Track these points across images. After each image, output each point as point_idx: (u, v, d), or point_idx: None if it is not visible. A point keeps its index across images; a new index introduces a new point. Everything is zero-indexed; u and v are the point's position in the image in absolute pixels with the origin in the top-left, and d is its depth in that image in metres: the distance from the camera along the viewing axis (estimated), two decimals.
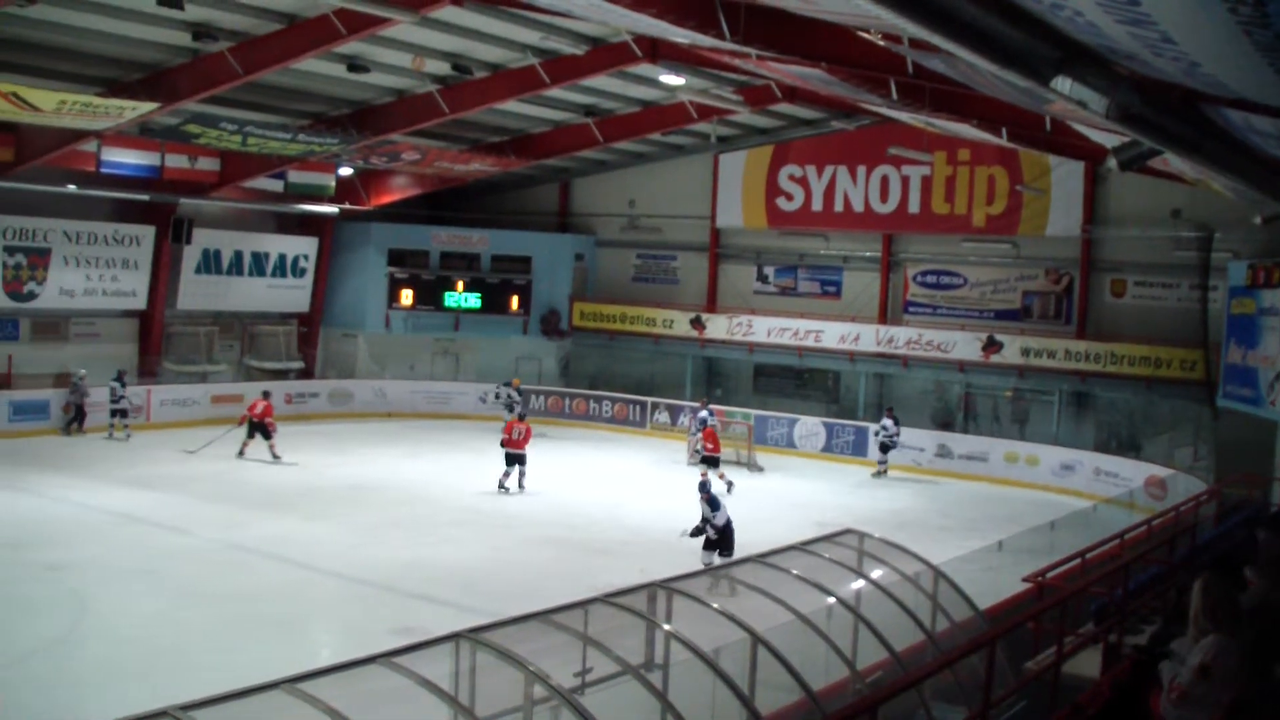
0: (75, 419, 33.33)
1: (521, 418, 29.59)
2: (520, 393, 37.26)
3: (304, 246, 40.90)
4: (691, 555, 20.05)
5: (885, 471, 33.70)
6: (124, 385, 33.78)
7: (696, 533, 20.93)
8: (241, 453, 31.10)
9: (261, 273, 39.81)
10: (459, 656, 9.81)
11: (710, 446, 30.05)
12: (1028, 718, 11.57)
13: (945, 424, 36.75)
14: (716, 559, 20.15)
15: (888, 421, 33.70)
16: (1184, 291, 33.41)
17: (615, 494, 28.56)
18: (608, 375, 42.66)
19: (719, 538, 20.73)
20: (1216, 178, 17.41)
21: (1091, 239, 34.93)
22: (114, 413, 33.42)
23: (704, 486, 21.73)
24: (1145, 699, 7.36)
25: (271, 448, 31.02)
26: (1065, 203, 35.05)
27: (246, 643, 16.48)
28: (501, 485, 28.01)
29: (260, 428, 31.22)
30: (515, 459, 28.21)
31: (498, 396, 37.70)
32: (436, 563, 21.67)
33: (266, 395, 32.72)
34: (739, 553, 14.57)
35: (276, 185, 37.97)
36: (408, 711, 9.34)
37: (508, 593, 19.02)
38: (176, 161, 34.49)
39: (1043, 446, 33.96)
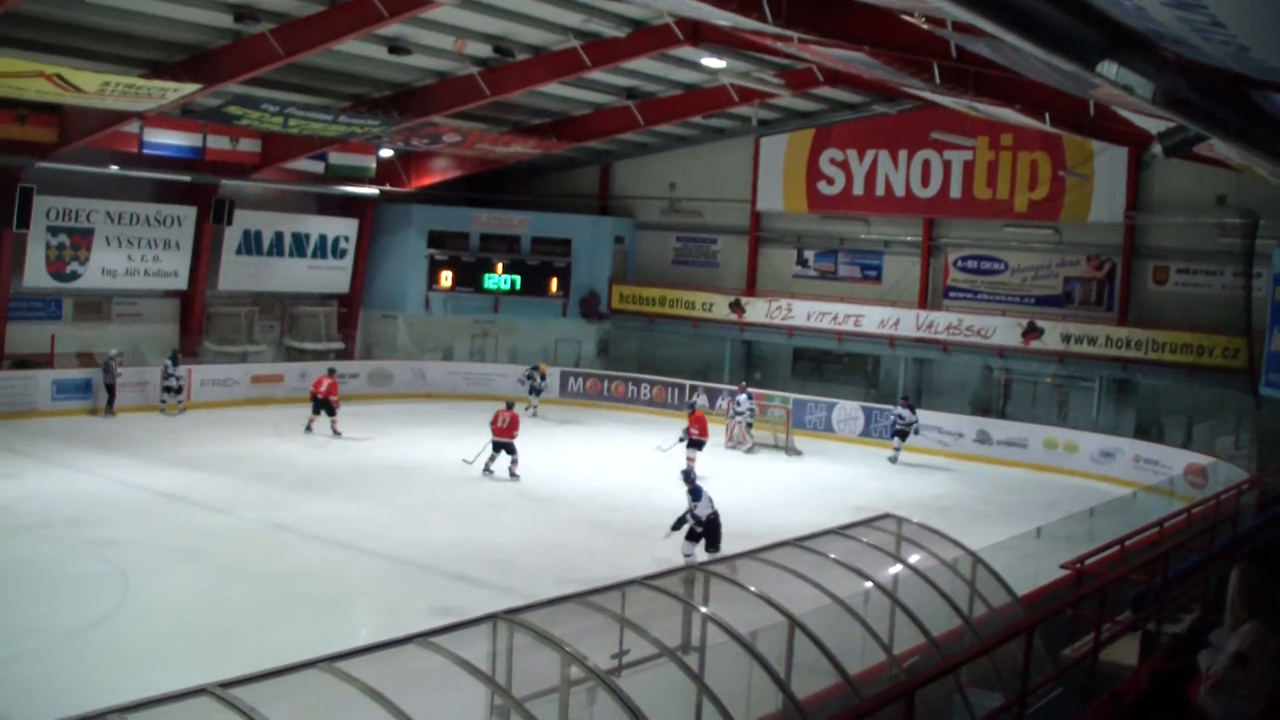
0: (107, 400, 33.31)
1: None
2: (544, 377, 37.89)
3: (344, 228, 41.03)
4: (731, 537, 19.96)
5: (897, 458, 33.47)
6: (176, 364, 34.15)
7: (678, 525, 20.28)
8: (309, 428, 31.70)
9: (302, 254, 39.95)
10: (496, 637, 9.84)
11: (696, 431, 29.69)
12: (1064, 705, 11.54)
13: (984, 410, 36.57)
14: (700, 553, 19.55)
15: (904, 411, 33.70)
16: (1227, 279, 33.16)
17: (653, 477, 28.54)
18: (647, 358, 42.65)
19: (704, 530, 20.07)
20: (1263, 164, 17.25)
21: (1135, 225, 34.71)
22: (165, 389, 33.88)
23: (687, 475, 21.53)
24: (1184, 688, 7.31)
25: (334, 424, 31.63)
26: (1108, 188, 34.83)
27: (287, 622, 16.60)
28: (486, 469, 27.80)
29: (325, 404, 31.73)
30: (502, 446, 27.76)
31: (530, 378, 38.24)
32: (476, 544, 21.75)
33: (332, 373, 33.19)
34: (774, 537, 14.51)
35: (317, 167, 38.09)
36: (445, 691, 9.38)
37: (546, 575, 19.09)
38: (218, 143, 34.67)
39: (1082, 433, 33.79)
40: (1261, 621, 6.82)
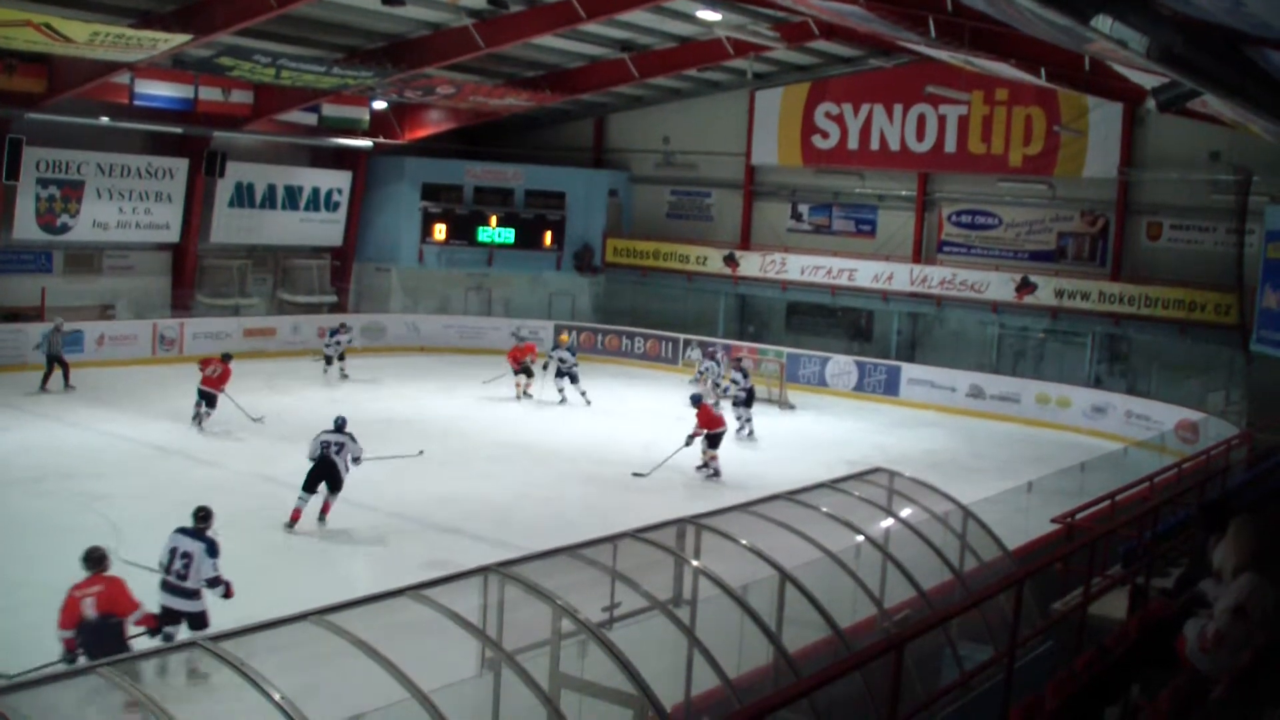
0: (45, 373, 29.82)
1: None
2: (573, 351, 33.06)
3: (338, 180, 40.91)
4: (725, 491, 20.01)
5: (749, 430, 29.66)
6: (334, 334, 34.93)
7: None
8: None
9: (295, 206, 39.85)
10: (488, 590, 9.88)
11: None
12: (1054, 658, 11.62)
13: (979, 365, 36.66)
14: None
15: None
16: (1220, 235, 33.18)
17: (648, 430, 28.57)
18: (641, 311, 42.63)
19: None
20: (1256, 120, 17.24)
21: (1129, 181, 34.68)
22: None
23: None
24: (1172, 642, 7.36)
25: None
26: (1103, 144, 34.78)
27: (279, 575, 16.65)
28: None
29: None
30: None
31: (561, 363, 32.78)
32: (470, 497, 21.82)
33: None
34: (766, 490, 14.57)
35: (310, 119, 37.92)
36: (436, 644, 9.42)
37: (541, 528, 19.13)
38: (210, 94, 34.55)
39: (1074, 388, 33.87)
40: (1258, 573, 6.86)
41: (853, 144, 39.17)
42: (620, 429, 29.17)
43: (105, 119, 33.04)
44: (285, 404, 29.71)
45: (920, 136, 38.01)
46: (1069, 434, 32.03)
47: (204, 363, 27.24)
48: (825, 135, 39.66)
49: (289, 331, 37.84)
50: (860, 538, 12.96)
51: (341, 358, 34.22)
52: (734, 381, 29.99)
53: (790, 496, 13.69)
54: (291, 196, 39.69)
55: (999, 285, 35.59)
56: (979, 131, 36.91)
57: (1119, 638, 8.53)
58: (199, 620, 12.97)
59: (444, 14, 30.38)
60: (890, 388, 36.02)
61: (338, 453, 19.81)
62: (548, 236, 42.75)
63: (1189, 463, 21.08)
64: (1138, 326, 33.73)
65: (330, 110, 37.87)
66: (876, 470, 15.84)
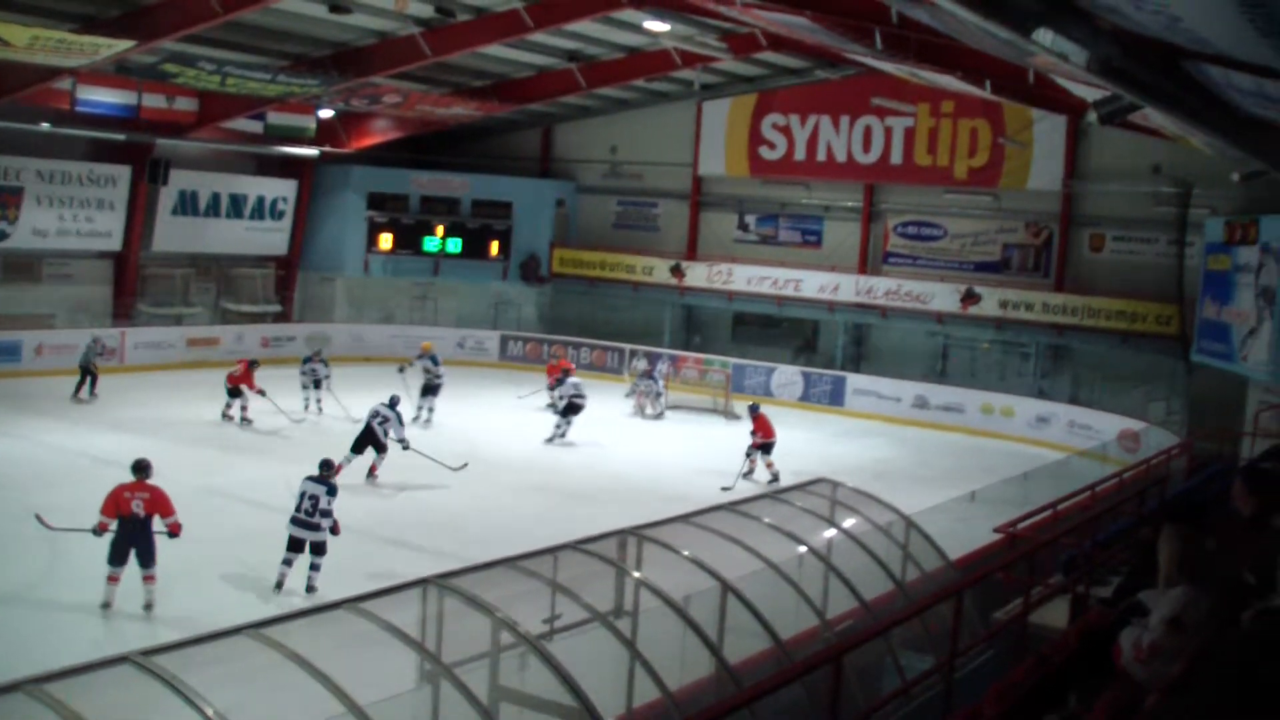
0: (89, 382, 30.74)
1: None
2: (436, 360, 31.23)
3: (283, 189, 40.66)
4: (667, 502, 20.01)
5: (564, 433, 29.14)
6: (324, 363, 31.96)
7: None
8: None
9: (239, 215, 39.54)
10: (426, 602, 9.83)
11: (761, 435, 26.59)
12: (994, 667, 11.65)
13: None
14: None
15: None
16: (1162, 247, 33.49)
17: (594, 440, 28.52)
18: (587, 322, 42.57)
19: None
20: (1196, 134, 17.38)
21: (1072, 193, 34.96)
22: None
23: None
24: (1110, 651, 7.39)
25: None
26: (1047, 156, 35.05)
27: (221, 588, 16.51)
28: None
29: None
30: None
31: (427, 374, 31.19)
32: (415, 509, 21.74)
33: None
34: (710, 501, 14.60)
35: (256, 126, 37.65)
36: (374, 657, 9.37)
37: (486, 539, 19.02)
38: (154, 101, 34.26)
39: (1019, 398, 34.10)
40: (1193, 585, 6.89)
41: (799, 155, 39.28)
42: (566, 440, 29.04)
43: (46, 125, 32.63)
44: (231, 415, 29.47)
45: (866, 148, 38.16)
46: (1013, 444, 32.21)
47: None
48: (772, 146, 39.75)
49: (233, 341, 37.51)
50: (803, 548, 12.99)
51: (317, 385, 31.00)
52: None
53: (733, 507, 13.71)
54: (236, 205, 39.39)
55: (944, 296, 35.77)
56: (925, 143, 37.10)
57: (1058, 646, 8.56)
58: (320, 548, 16.76)
59: (391, 22, 30.28)
60: (835, 398, 36.14)
61: (381, 424, 23.20)
62: (494, 246, 42.62)
63: (1130, 472, 21.23)
64: (1081, 337, 34.00)
65: (276, 118, 37.63)
66: (820, 481, 15.89)
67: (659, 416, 33.27)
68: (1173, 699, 6.13)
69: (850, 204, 39.24)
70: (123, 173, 35.74)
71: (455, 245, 42.15)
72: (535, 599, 10.72)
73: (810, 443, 30.96)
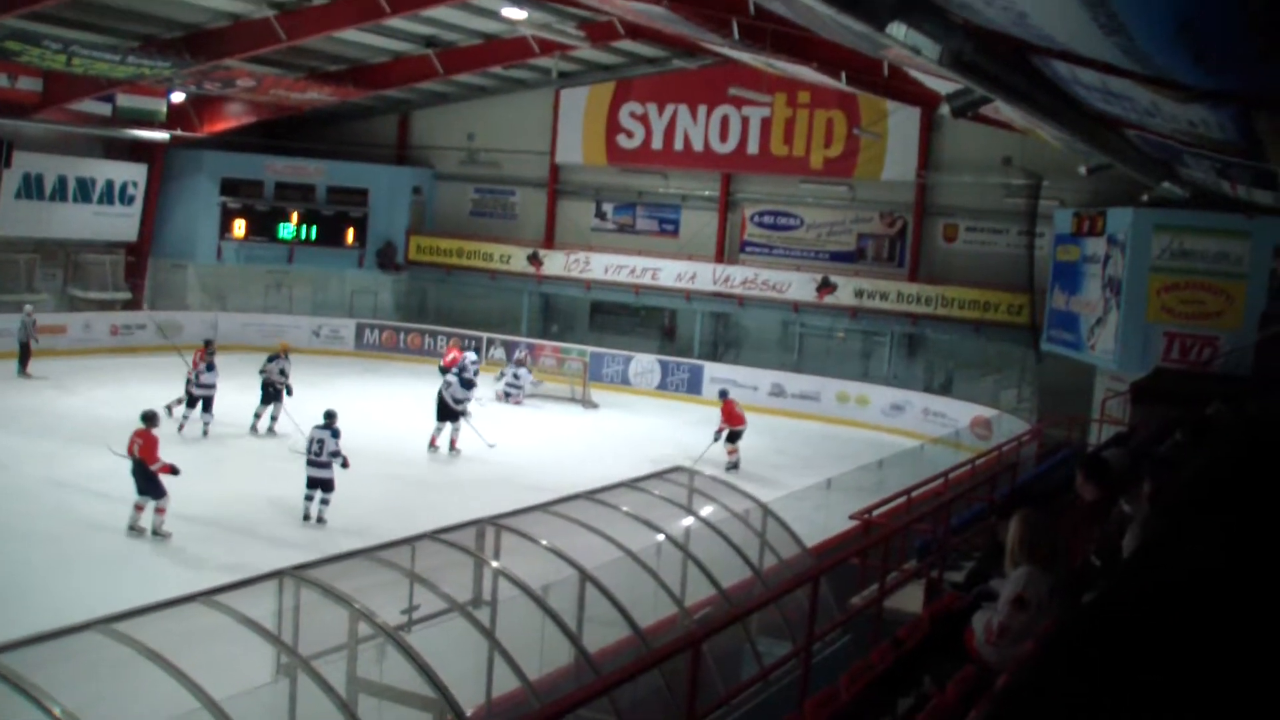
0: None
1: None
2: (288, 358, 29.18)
3: (133, 173, 39.74)
4: (525, 491, 19.97)
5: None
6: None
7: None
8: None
9: (87, 199, 38.54)
10: (283, 594, 9.72)
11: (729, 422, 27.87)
12: (851, 651, 11.81)
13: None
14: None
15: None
16: (1013, 237, 34.15)
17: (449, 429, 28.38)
18: (444, 310, 42.37)
19: None
20: (1045, 127, 17.75)
21: (926, 184, 35.52)
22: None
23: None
24: (963, 634, 7.54)
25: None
26: (901, 148, 35.55)
27: (70, 582, 16.13)
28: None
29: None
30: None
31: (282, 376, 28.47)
32: (268, 498, 21.42)
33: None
34: (569, 490, 14.58)
35: (104, 109, 36.69)
36: (229, 650, 9.24)
37: (340, 529, 18.91)
38: None
39: (874, 386, 34.59)
40: (1035, 565, 7.05)
41: (657, 144, 39.41)
42: (421, 429, 28.80)
43: None
44: (75, 405, 28.85)
45: (724, 137, 38.40)
46: (868, 431, 32.64)
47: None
48: (630, 135, 39.84)
49: (80, 329, 36.68)
50: (661, 536, 13.05)
51: (289, 392, 28.05)
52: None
53: (591, 496, 13.73)
54: (84, 189, 38.39)
55: (800, 285, 36.13)
56: (781, 133, 37.43)
57: (912, 630, 8.71)
58: (329, 484, 20.34)
59: (245, 4, 29.84)
60: (693, 386, 36.34)
61: (445, 389, 26.72)
62: (350, 233, 42.15)
63: (982, 458, 21.64)
64: (935, 326, 34.57)
65: (125, 100, 36.72)
66: (677, 469, 15.97)
67: (518, 403, 33.32)
68: (1021, 678, 6.27)
69: (707, 193, 39.46)
70: None
71: (310, 232, 41.63)
72: (393, 590, 10.66)
73: (668, 430, 31.13)
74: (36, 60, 30.21)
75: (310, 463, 20.32)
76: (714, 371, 36.38)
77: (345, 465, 20.44)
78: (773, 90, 35.75)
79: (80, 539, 18.28)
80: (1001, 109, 16.99)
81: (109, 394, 29.86)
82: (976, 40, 9.14)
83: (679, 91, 38.89)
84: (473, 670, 10.43)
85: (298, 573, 9.85)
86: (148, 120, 37.77)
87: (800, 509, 18.66)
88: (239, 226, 41.05)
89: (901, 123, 35.15)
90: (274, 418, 27.45)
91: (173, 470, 19.09)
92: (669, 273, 38.27)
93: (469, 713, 9.35)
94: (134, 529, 18.86)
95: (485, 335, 39.55)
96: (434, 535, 11.55)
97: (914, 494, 17.46)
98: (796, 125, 37.22)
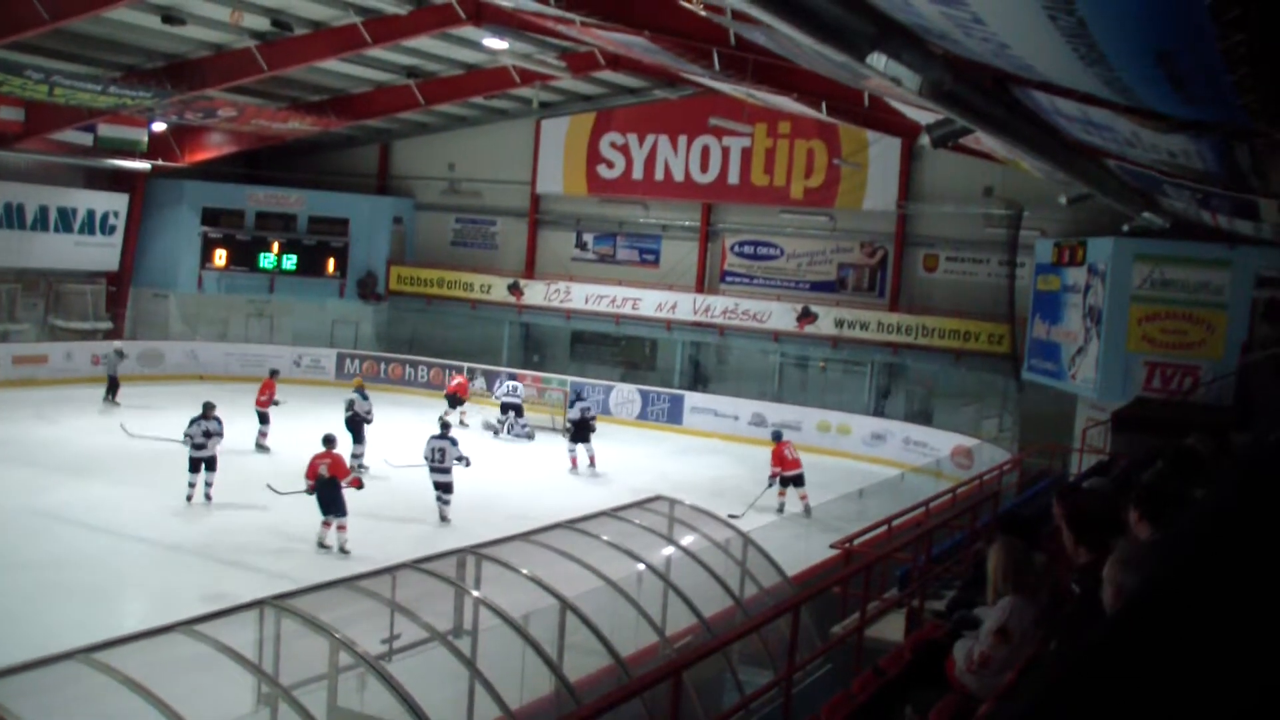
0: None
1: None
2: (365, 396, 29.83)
3: (114, 203, 39.71)
4: (506, 519, 19.94)
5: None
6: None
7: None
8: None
9: (69, 229, 38.50)
10: (264, 623, 9.69)
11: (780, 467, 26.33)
12: (832, 680, 11.80)
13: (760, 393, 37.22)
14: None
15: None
16: (994, 267, 34.22)
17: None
18: (425, 340, 42.33)
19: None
20: (1025, 157, 17.83)
21: (906, 214, 35.61)
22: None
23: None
24: (944, 663, 7.54)
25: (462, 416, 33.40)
26: (882, 178, 35.64)
27: (50, 612, 16.05)
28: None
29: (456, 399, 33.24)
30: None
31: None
32: (250, 528, 21.33)
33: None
34: (550, 519, 14.56)
35: (86, 139, 36.68)
36: (210, 680, 9.21)
37: (319, 560, 18.84)
38: None
39: (854, 416, 34.60)
40: (1019, 595, 7.06)
41: (637, 174, 39.48)
42: (401, 460, 28.71)
43: None
44: (56, 435, 28.76)
45: (704, 168, 38.48)
46: (849, 461, 32.64)
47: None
48: (610, 165, 39.90)
49: (61, 359, 36.62)
50: (641, 566, 13.04)
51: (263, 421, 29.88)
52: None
53: (572, 525, 13.71)
54: (65, 218, 38.35)
55: (781, 315, 36.16)
56: (762, 163, 37.52)
57: (894, 659, 8.71)
58: (448, 487, 23.16)
59: (226, 35, 29.83)
60: (674, 416, 36.34)
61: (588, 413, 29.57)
62: (331, 263, 42.15)
63: (963, 488, 21.65)
64: (915, 355, 34.61)
65: (107, 130, 36.71)
66: (658, 498, 15.96)
67: (496, 434, 33.31)
68: (1002, 708, 6.27)
69: (688, 223, 39.52)
70: None
71: (291, 262, 41.61)
72: (374, 619, 10.64)
73: (648, 460, 31.11)
74: (18, 90, 30.18)
75: (434, 469, 23.07)
76: (694, 401, 36.40)
77: (467, 464, 23.42)
78: (753, 120, 35.85)
79: (60, 568, 18.18)
80: (982, 139, 17.07)
81: (90, 424, 29.78)
82: (957, 71, 9.18)
83: (660, 122, 38.99)
84: (454, 699, 10.40)
85: (278, 602, 9.83)
86: (129, 150, 37.74)
87: (780, 538, 18.65)
88: (220, 256, 41.02)
89: (882, 153, 35.26)
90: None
91: (359, 485, 21.54)
92: (649, 302, 38.28)
93: None
94: (323, 546, 20.35)
95: (466, 365, 39.47)
96: (415, 564, 11.53)
97: (895, 523, 17.47)
98: (777, 155, 37.32)
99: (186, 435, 23.65)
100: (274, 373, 31.25)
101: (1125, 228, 25.53)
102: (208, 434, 23.65)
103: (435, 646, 10.37)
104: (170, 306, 41.78)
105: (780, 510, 25.40)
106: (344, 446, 23.76)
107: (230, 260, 41.14)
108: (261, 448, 28.65)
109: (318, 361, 41.05)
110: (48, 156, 36.81)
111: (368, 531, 21.29)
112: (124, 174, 39.03)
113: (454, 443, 23.19)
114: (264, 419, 29.49)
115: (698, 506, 15.76)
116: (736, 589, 13.93)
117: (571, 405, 31.01)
